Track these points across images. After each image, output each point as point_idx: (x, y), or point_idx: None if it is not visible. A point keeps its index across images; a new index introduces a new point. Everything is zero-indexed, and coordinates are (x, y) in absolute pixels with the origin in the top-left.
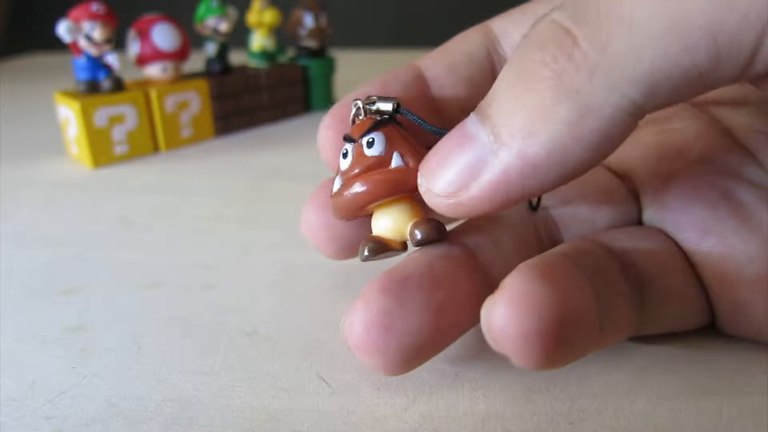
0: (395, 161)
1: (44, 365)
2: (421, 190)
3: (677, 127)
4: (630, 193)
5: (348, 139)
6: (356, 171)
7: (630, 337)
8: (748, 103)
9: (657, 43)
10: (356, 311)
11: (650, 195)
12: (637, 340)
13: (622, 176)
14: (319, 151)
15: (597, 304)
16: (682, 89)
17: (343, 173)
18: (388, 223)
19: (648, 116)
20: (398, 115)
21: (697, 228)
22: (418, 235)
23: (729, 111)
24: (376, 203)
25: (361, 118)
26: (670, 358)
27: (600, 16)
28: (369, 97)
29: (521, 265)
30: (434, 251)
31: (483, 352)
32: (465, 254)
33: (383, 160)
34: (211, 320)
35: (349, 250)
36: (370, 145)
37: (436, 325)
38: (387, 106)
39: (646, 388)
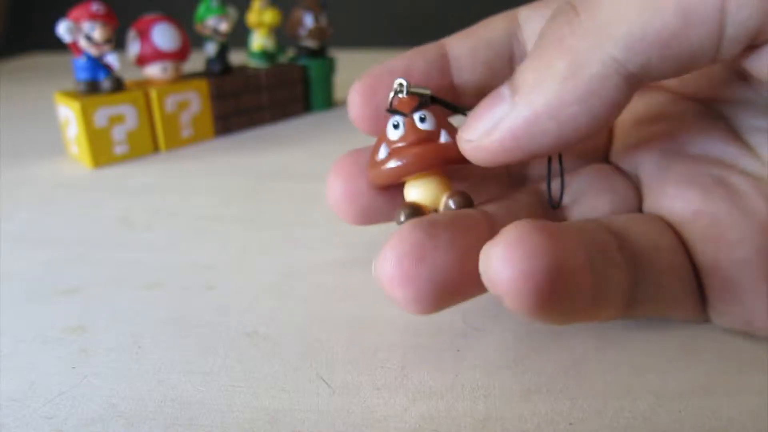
0: (443, 137)
1: (44, 365)
2: (457, 137)
3: (684, 124)
4: (631, 186)
5: (396, 112)
6: (411, 140)
7: (622, 317)
8: (754, 103)
9: (633, 10)
10: (390, 246)
11: (650, 185)
12: (637, 340)
13: (631, 176)
14: (348, 107)
15: (592, 269)
16: (658, 49)
17: (395, 142)
18: (423, 192)
19: (660, 116)
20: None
21: (692, 210)
22: (452, 204)
23: (736, 109)
24: (422, 171)
25: (401, 96)
26: (670, 358)
27: None
28: (409, 83)
29: (522, 219)
30: (456, 211)
31: (483, 353)
32: (483, 215)
33: (433, 135)
34: (211, 320)
35: (370, 217)
36: (422, 120)
37: (463, 266)
38: (425, 91)
39: (646, 388)
